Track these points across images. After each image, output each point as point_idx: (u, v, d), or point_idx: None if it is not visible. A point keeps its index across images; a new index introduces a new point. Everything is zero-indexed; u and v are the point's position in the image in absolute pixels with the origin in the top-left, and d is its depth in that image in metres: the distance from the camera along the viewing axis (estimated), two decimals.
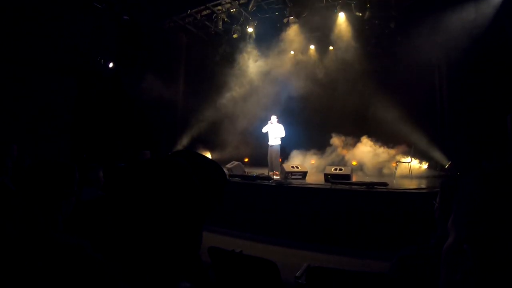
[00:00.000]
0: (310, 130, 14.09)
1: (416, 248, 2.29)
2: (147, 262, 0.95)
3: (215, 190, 1.13)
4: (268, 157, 11.44)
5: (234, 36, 13.78)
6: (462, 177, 0.90)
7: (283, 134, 11.14)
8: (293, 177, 9.90)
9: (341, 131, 13.50)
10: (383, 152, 12.27)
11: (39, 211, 1.90)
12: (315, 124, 14.12)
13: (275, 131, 11.16)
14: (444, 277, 0.90)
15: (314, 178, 10.21)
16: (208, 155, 14.03)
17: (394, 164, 11.21)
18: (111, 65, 13.77)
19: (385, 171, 11.68)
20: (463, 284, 0.80)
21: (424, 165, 11.29)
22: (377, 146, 12.53)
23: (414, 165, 10.96)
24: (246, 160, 14.24)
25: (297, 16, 12.68)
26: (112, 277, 1.04)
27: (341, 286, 2.72)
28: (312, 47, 14.89)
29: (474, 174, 0.85)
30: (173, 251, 0.97)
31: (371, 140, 12.73)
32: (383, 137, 12.54)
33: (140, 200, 0.96)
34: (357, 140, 13.06)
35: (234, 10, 13.19)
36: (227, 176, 9.32)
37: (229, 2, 12.96)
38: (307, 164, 11.88)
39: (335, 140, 13.50)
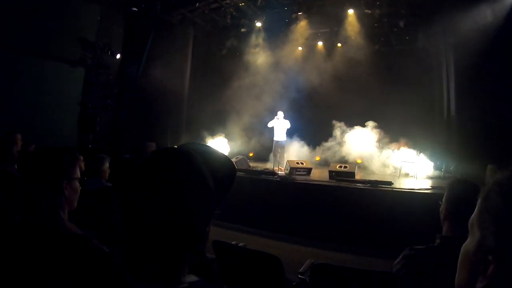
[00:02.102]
0: (314, 126, 14.07)
1: (421, 248, 2.29)
2: (154, 254, 0.95)
3: (224, 183, 1.13)
4: (273, 152, 11.47)
5: (242, 30, 13.77)
6: (480, 174, 0.89)
7: (288, 125, 11.16)
8: (297, 173, 9.88)
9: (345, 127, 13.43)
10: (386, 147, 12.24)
11: (43, 197, 1.90)
12: (320, 120, 14.06)
13: (281, 127, 11.16)
14: (462, 280, 0.89)
15: (318, 175, 10.21)
16: (225, 141, 14.00)
17: (398, 164, 11.16)
18: (118, 56, 13.78)
19: (390, 170, 11.66)
20: None
21: (429, 166, 11.22)
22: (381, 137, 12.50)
23: (419, 165, 10.89)
24: (251, 154, 14.22)
25: (306, 12, 12.64)
26: (117, 269, 1.04)
27: (345, 283, 2.72)
28: (320, 43, 14.83)
29: (506, 178, 0.83)
30: (180, 243, 0.97)
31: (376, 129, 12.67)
32: (388, 136, 12.49)
33: (149, 191, 0.96)
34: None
35: (242, 4, 13.15)
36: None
37: None
38: (310, 160, 11.85)
39: (337, 133, 13.43)
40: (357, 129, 12.75)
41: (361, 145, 12.53)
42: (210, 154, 1.16)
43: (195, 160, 1.03)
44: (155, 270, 0.96)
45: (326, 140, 13.48)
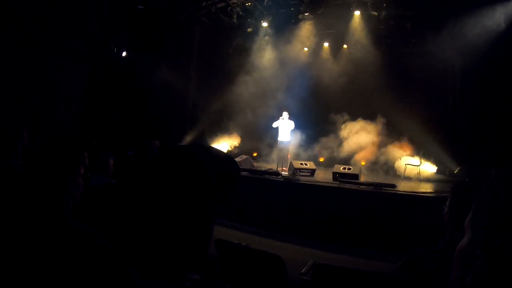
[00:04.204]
0: (319, 125, 14.08)
1: (423, 251, 2.28)
2: (160, 251, 0.96)
3: (229, 182, 1.13)
4: (277, 153, 11.47)
5: (249, 30, 13.75)
6: (484, 179, 0.92)
7: (292, 126, 11.16)
8: (301, 173, 9.89)
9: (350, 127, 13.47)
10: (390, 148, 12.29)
11: (48, 193, 1.91)
12: (325, 119, 14.04)
13: (285, 127, 11.16)
14: (455, 276, 0.92)
15: (322, 176, 10.21)
16: (228, 141, 14.04)
17: (402, 167, 11.14)
18: (124, 53, 13.81)
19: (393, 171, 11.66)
20: (473, 286, 0.82)
21: (433, 169, 11.21)
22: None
23: (423, 168, 10.89)
24: (255, 154, 14.24)
25: (312, 13, 12.62)
26: (121, 265, 1.05)
27: (347, 285, 2.71)
28: (326, 44, 14.80)
29: (498, 178, 0.85)
30: (184, 242, 0.97)
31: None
32: (392, 138, 12.49)
33: (156, 188, 0.96)
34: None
35: (249, 3, 13.14)
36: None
37: None
38: (314, 161, 11.82)
39: (342, 133, 13.47)
40: (362, 127, 12.81)
41: (366, 146, 12.58)
42: (214, 153, 1.17)
43: (201, 157, 1.04)
44: (160, 266, 0.96)
45: (330, 140, 13.51)
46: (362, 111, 13.08)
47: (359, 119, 13.11)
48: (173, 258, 0.97)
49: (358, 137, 12.84)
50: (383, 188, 7.98)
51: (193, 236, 0.98)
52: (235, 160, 1.25)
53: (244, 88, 14.03)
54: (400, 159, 11.66)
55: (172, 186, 0.96)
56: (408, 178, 10.75)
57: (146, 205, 0.96)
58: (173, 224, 0.95)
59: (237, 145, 14.32)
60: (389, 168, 11.94)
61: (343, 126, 13.44)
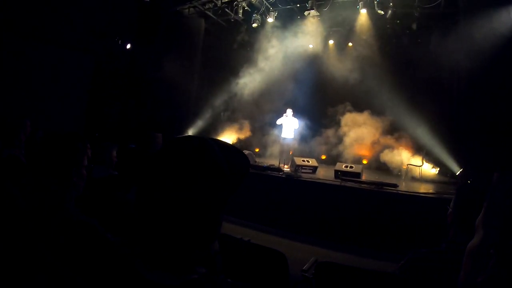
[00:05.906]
0: (322, 122, 14.09)
1: (426, 251, 2.28)
2: (171, 243, 0.95)
3: (239, 174, 1.13)
4: (280, 149, 11.48)
5: (254, 25, 13.69)
6: (499, 177, 0.91)
7: (297, 126, 11.16)
8: (303, 170, 9.89)
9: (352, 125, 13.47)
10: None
11: (51, 184, 1.90)
12: (328, 116, 14.04)
13: (289, 124, 11.16)
14: (465, 276, 0.91)
15: (323, 173, 10.21)
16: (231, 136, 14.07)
17: (404, 167, 11.12)
18: (128, 46, 13.80)
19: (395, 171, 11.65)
20: (486, 286, 0.81)
21: (435, 170, 11.18)
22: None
23: (425, 169, 10.86)
24: (257, 150, 14.25)
25: (318, 10, 12.57)
26: (126, 257, 1.04)
27: (349, 282, 2.71)
28: (331, 42, 14.76)
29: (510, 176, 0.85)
30: (198, 232, 0.97)
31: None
32: (395, 137, 12.46)
33: (169, 179, 0.95)
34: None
35: None
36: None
37: None
38: (316, 158, 11.83)
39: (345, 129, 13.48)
40: (365, 121, 12.83)
41: (366, 141, 12.60)
42: (223, 144, 1.16)
43: (213, 147, 1.03)
44: (169, 259, 0.96)
45: (333, 136, 13.50)
46: (365, 109, 13.06)
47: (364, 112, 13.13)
48: (181, 251, 0.97)
49: (360, 131, 12.83)
50: (384, 187, 7.97)
51: (203, 229, 0.98)
52: (243, 152, 1.24)
53: (248, 83, 14.02)
54: (387, 152, 11.72)
55: (184, 177, 0.95)
56: (410, 178, 10.73)
57: (157, 197, 0.96)
58: (183, 217, 0.94)
59: (239, 140, 14.33)
60: (388, 166, 11.93)
61: (343, 119, 13.43)
